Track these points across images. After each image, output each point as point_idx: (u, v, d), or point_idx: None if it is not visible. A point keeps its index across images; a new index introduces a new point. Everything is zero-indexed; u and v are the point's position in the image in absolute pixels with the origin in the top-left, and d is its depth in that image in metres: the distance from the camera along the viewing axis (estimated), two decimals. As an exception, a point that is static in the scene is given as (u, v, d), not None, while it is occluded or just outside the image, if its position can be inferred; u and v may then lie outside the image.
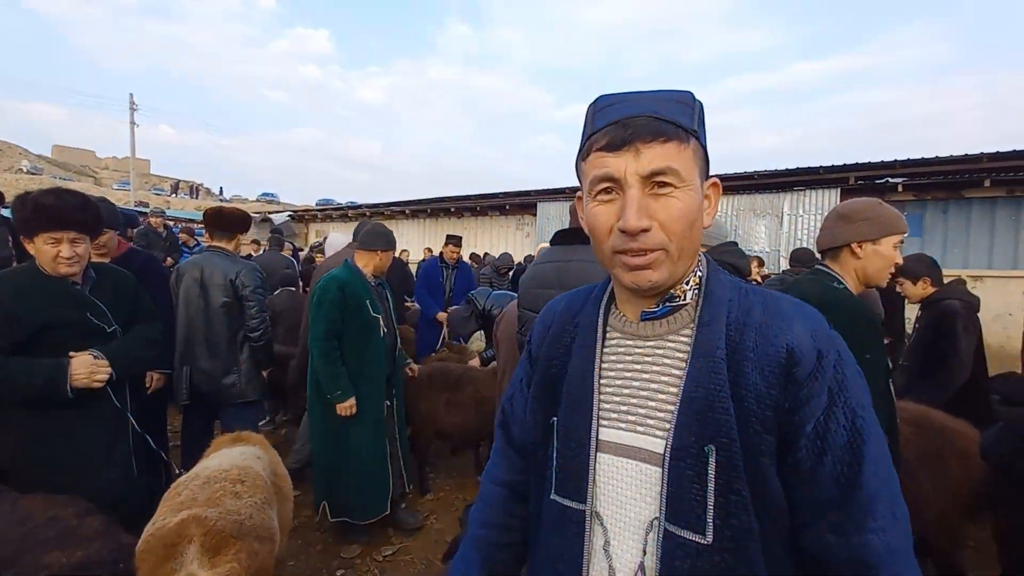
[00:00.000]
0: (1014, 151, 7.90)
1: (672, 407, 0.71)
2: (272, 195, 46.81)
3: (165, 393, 3.00)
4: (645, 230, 0.68)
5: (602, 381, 0.78)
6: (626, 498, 0.73)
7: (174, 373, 2.96)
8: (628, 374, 0.76)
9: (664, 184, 0.69)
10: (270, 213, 22.98)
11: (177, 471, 2.52)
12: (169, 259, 6.70)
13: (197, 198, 43.84)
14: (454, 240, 5.43)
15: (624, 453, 0.74)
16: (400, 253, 10.12)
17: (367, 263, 2.96)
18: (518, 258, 9.67)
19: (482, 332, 4.21)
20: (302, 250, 12.30)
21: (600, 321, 0.82)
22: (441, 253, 5.49)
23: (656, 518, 0.69)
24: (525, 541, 0.92)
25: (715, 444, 0.66)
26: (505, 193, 14.11)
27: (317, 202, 39.81)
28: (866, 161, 9.02)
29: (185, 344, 2.92)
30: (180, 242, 7.27)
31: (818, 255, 1.80)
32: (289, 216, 20.75)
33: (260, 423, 4.51)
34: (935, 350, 2.91)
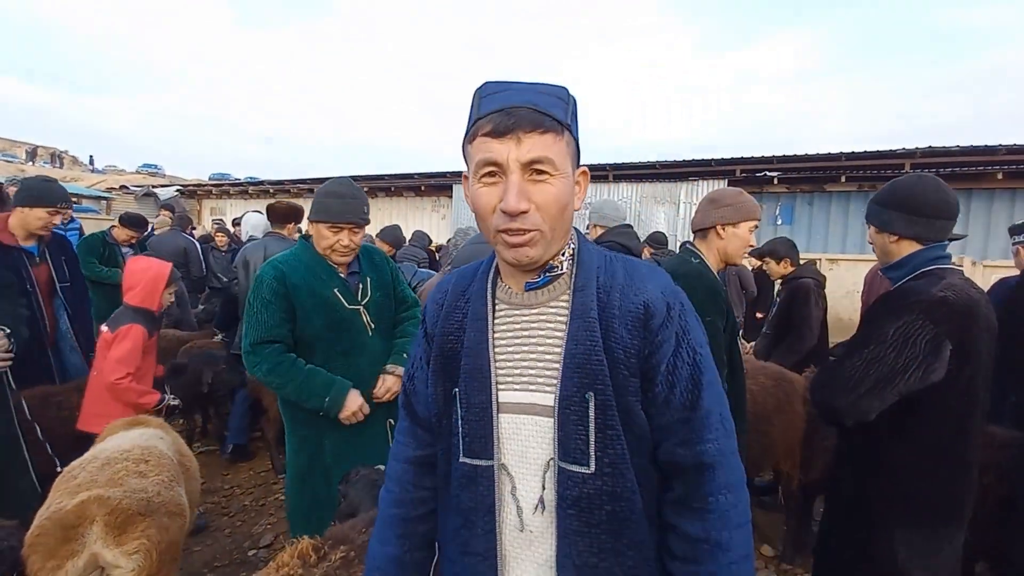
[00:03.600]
0: (866, 152, 9.22)
1: (557, 365, 0.82)
2: (156, 167, 41.86)
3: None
4: (524, 212, 0.76)
5: (496, 349, 0.86)
6: (526, 447, 0.83)
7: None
8: (518, 341, 0.85)
9: (541, 171, 0.76)
10: (154, 187, 20.71)
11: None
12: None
13: (61, 167, 38.15)
14: None
15: (521, 410, 0.84)
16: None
17: (317, 240, 2.00)
18: (439, 241, 9.63)
19: None
20: (196, 228, 11.30)
21: (489, 295, 0.89)
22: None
23: (551, 459, 0.81)
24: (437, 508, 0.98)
25: (593, 391, 0.78)
26: (421, 174, 13.88)
27: (210, 176, 36.34)
28: (749, 156, 10.06)
29: None
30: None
31: (692, 234, 2.08)
32: (178, 191, 18.83)
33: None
34: (790, 320, 3.43)
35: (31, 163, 36.41)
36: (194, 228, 10.96)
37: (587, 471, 0.79)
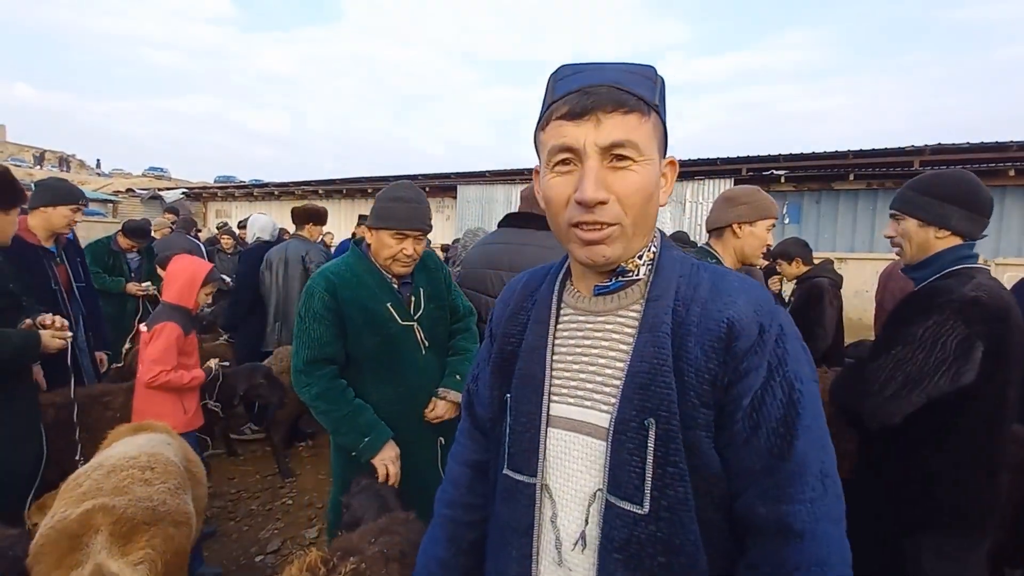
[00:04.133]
0: (873, 149, 9.13)
1: (618, 382, 0.71)
2: (162, 169, 42.18)
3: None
4: (602, 202, 0.67)
5: (555, 357, 0.78)
6: (573, 471, 0.74)
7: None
8: (579, 349, 0.76)
9: (623, 157, 0.67)
10: (160, 190, 20.80)
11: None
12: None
13: (68, 171, 38.41)
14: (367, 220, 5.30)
15: (572, 427, 0.74)
16: (324, 235, 9.72)
17: (378, 249, 1.81)
18: (439, 241, 9.63)
19: None
20: (201, 231, 11.34)
21: (555, 297, 0.82)
22: (354, 234, 5.40)
23: (599, 489, 0.71)
24: None
25: (655, 417, 0.67)
26: (425, 175, 13.89)
27: (216, 179, 36.55)
28: (755, 155, 9.99)
29: (277, 306, 3.99)
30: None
31: (707, 234, 2.04)
32: (183, 193, 18.92)
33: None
34: (803, 320, 3.37)
35: (39, 167, 36.68)
36: (199, 231, 11.03)
37: (640, 511, 0.67)
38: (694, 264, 0.77)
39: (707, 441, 0.67)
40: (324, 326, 1.73)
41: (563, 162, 0.69)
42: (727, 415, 0.67)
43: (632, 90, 0.67)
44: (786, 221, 9.47)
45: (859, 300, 8.33)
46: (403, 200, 1.76)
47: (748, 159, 10.04)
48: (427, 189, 13.56)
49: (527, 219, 2.06)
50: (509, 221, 2.12)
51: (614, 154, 0.67)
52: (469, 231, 2.83)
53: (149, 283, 4.40)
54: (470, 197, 12.44)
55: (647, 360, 0.69)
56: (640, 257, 0.76)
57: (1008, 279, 6.95)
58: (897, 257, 1.58)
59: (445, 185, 13.16)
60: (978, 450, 1.34)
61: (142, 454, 1.70)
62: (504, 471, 0.80)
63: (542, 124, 0.72)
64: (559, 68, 0.73)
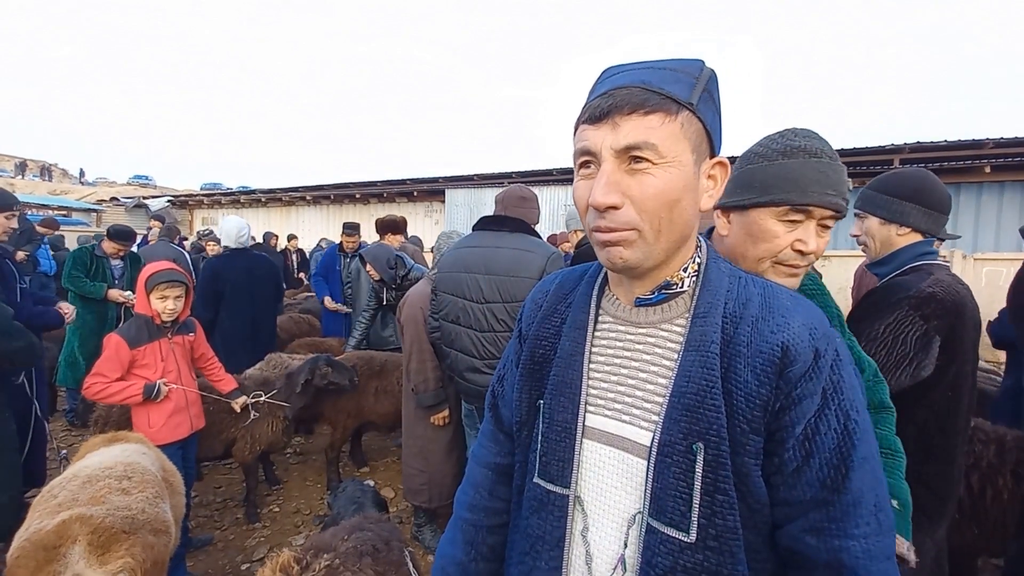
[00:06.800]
0: (855, 148, 9.27)
1: (660, 399, 0.69)
2: (147, 177, 41.69)
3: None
4: (613, 207, 0.65)
5: (591, 366, 0.76)
6: (607, 486, 0.72)
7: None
8: (618, 360, 0.74)
9: (640, 159, 0.64)
10: (145, 198, 20.62)
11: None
12: (21, 252, 5.81)
13: (50, 180, 37.94)
14: (348, 229, 5.29)
15: (608, 441, 0.72)
16: (289, 240, 9.77)
17: (748, 241, 1.14)
18: (429, 244, 9.63)
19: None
20: (187, 239, 11.26)
21: (593, 303, 0.79)
22: (341, 242, 5.40)
23: (639, 512, 0.68)
24: None
25: (703, 441, 0.64)
26: (413, 179, 13.88)
27: (202, 186, 36.25)
28: (738, 156, 10.11)
29: (356, 310, 4.47)
30: (40, 235, 6.31)
31: None
32: (169, 201, 18.78)
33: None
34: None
35: (20, 176, 36.13)
36: (184, 238, 10.97)
37: (686, 539, 0.64)
38: (742, 278, 0.73)
39: (756, 469, 0.64)
40: None
41: (584, 164, 0.69)
42: (776, 442, 0.65)
43: (659, 88, 0.64)
44: (770, 220, 9.60)
45: (843, 296, 8.44)
46: (809, 153, 0.95)
47: (732, 159, 10.16)
48: (416, 194, 13.57)
49: (501, 222, 2.07)
50: (483, 224, 2.13)
51: (631, 156, 0.64)
52: (443, 234, 2.83)
53: (131, 292, 4.33)
54: (459, 201, 12.45)
55: (695, 381, 0.66)
56: (684, 269, 0.73)
57: (986, 273, 7.07)
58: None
59: (434, 189, 13.17)
60: (930, 441, 1.38)
61: (118, 464, 1.70)
62: (535, 480, 0.77)
63: (574, 128, 0.71)
64: (603, 70, 0.72)
